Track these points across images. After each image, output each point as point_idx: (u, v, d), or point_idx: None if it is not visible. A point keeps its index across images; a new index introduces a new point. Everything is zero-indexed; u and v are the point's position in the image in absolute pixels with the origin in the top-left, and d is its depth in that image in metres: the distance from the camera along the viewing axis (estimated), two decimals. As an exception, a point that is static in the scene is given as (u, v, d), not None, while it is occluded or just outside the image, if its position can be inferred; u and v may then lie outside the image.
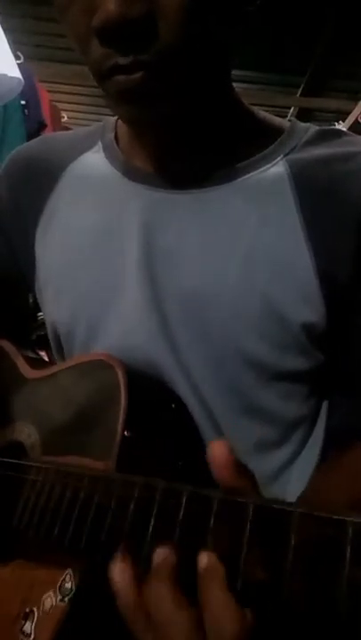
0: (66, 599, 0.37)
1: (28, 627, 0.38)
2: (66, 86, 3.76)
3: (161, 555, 0.29)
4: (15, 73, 1.67)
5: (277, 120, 0.52)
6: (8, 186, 0.59)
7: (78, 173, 0.55)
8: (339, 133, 0.50)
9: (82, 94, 4.04)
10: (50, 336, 0.58)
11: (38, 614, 0.38)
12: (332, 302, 0.45)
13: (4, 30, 1.66)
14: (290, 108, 4.01)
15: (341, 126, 2.72)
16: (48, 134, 0.72)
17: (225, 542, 0.27)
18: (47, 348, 0.61)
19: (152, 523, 0.30)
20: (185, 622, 0.27)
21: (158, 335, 0.48)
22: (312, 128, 0.50)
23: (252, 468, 0.30)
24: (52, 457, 0.44)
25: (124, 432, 0.39)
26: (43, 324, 0.60)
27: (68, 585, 0.37)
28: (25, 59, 2.07)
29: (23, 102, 2.23)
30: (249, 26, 0.44)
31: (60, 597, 0.37)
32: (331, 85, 3.65)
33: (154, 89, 0.39)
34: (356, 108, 2.86)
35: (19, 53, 1.87)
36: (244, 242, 0.46)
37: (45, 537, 0.37)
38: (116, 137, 0.55)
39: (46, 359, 0.72)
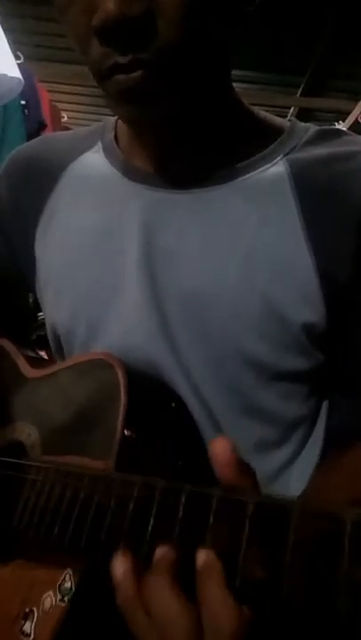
0: (65, 599, 0.37)
1: (27, 626, 0.38)
2: (66, 86, 3.76)
3: (160, 551, 0.29)
4: (15, 73, 1.67)
5: (277, 120, 0.52)
6: (8, 186, 0.59)
7: (78, 173, 0.55)
8: (339, 133, 0.50)
9: (82, 94, 4.04)
10: (49, 336, 0.58)
11: (38, 614, 0.38)
12: (333, 302, 0.45)
13: (4, 30, 1.66)
14: (290, 108, 4.01)
15: (341, 126, 2.72)
16: (48, 134, 0.72)
17: (224, 540, 0.27)
18: (47, 348, 0.61)
19: (151, 522, 0.30)
20: (183, 618, 0.27)
21: (158, 335, 0.48)
22: (312, 128, 0.50)
23: (252, 468, 0.30)
24: (52, 456, 0.44)
25: (123, 431, 0.39)
26: (43, 324, 0.60)
27: (68, 585, 0.37)
28: (25, 59, 2.07)
29: (23, 102, 2.23)
30: (249, 26, 0.44)
31: (59, 597, 0.37)
32: (331, 85, 3.65)
33: (153, 88, 0.39)
34: (356, 108, 2.86)
35: (19, 53, 1.87)
36: (244, 242, 0.46)
37: (45, 537, 0.37)
38: (115, 137, 0.55)
39: (47, 359, 0.72)
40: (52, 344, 0.59)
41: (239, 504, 0.27)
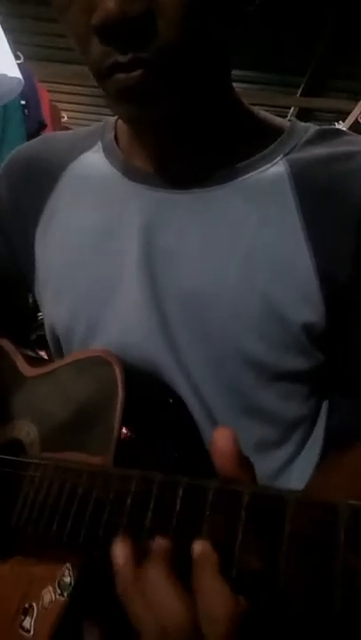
0: (65, 594, 0.37)
1: (27, 622, 0.39)
2: (66, 86, 3.76)
3: (157, 542, 0.30)
4: (15, 73, 1.67)
5: (277, 120, 0.52)
6: (8, 186, 0.59)
7: (78, 173, 0.55)
8: (339, 133, 0.50)
9: (82, 94, 4.04)
10: (48, 336, 0.58)
11: (38, 609, 0.38)
12: (332, 302, 0.45)
13: (4, 30, 1.67)
14: (290, 108, 4.01)
15: (341, 126, 2.72)
16: (48, 134, 0.72)
17: (220, 530, 0.27)
18: (47, 348, 0.62)
19: (149, 516, 0.31)
20: (179, 607, 0.28)
21: (158, 335, 0.48)
22: (312, 128, 0.50)
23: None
24: (51, 453, 0.44)
25: (121, 428, 0.39)
26: (43, 323, 0.60)
27: (67, 580, 0.37)
28: (25, 59, 2.07)
29: (23, 102, 2.24)
30: (249, 26, 0.44)
31: (59, 592, 0.37)
32: (331, 85, 3.65)
33: (153, 87, 0.39)
34: (356, 108, 2.87)
35: (19, 53, 1.87)
36: (244, 242, 0.46)
37: (44, 533, 0.37)
38: (115, 137, 0.55)
39: (47, 359, 0.72)
40: (50, 344, 0.59)
41: (235, 495, 0.27)
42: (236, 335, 0.46)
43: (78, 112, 4.40)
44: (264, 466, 0.51)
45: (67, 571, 0.38)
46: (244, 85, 3.55)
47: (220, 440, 0.30)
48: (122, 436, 0.40)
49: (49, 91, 2.92)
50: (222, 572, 0.27)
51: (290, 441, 0.52)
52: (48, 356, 0.63)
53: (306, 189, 0.46)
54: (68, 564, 0.38)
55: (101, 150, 0.55)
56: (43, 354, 0.68)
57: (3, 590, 0.42)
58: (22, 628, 0.39)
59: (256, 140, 0.49)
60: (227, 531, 0.27)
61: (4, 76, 1.64)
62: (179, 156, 0.49)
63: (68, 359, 0.50)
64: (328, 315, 0.46)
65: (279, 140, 0.49)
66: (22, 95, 2.04)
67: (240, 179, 0.48)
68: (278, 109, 3.55)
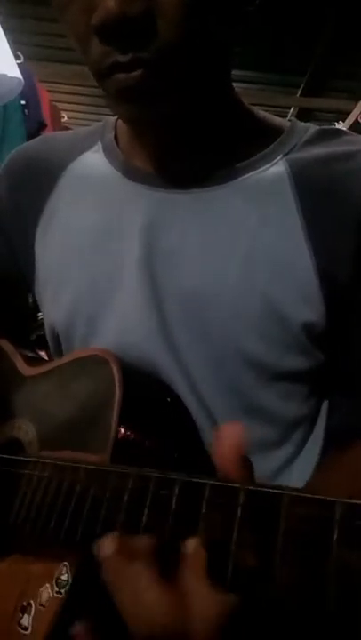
0: (62, 591, 0.37)
1: (25, 620, 0.39)
2: (66, 86, 3.76)
3: (142, 538, 0.30)
4: (15, 73, 1.67)
5: (277, 120, 0.52)
6: (8, 186, 0.59)
7: (78, 173, 0.55)
8: (339, 133, 0.50)
9: (82, 94, 4.04)
10: (48, 336, 0.58)
11: (35, 607, 0.38)
12: (333, 302, 0.45)
13: (4, 30, 1.67)
14: (290, 108, 4.01)
15: (341, 126, 2.72)
16: (48, 134, 0.72)
17: (216, 527, 0.27)
18: (47, 348, 0.62)
19: (146, 512, 0.31)
20: (164, 601, 0.28)
21: (158, 335, 0.48)
22: (312, 128, 0.50)
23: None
24: (49, 452, 0.44)
25: (118, 427, 0.40)
26: (43, 324, 0.60)
27: (65, 577, 0.37)
28: (25, 59, 2.07)
29: (23, 102, 2.24)
30: (249, 26, 0.44)
31: (56, 590, 0.37)
32: (331, 85, 3.65)
33: (153, 87, 0.39)
34: (356, 108, 2.87)
35: (19, 53, 1.87)
36: (244, 242, 0.46)
37: (42, 530, 0.37)
38: (115, 137, 0.55)
39: (46, 359, 0.72)
40: (50, 343, 0.59)
41: (231, 492, 0.27)
42: (236, 335, 0.46)
43: (78, 112, 4.40)
44: (264, 466, 0.51)
45: (64, 568, 0.38)
46: (244, 85, 3.55)
47: (227, 437, 0.30)
48: (119, 435, 0.40)
49: (49, 91, 2.92)
50: (211, 571, 0.27)
51: (290, 441, 0.52)
52: (48, 356, 0.63)
53: (306, 189, 0.46)
54: (66, 562, 0.38)
55: (101, 150, 0.55)
56: (43, 354, 0.68)
57: (1, 588, 0.42)
58: (20, 625, 0.39)
59: (256, 139, 0.49)
60: (223, 527, 0.27)
61: (4, 76, 1.64)
62: (179, 156, 0.49)
63: (66, 358, 0.50)
64: (328, 314, 0.46)
65: (279, 139, 0.49)
66: (22, 95, 2.04)
67: (240, 179, 0.48)
68: (278, 109, 3.55)
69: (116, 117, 0.55)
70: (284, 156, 0.48)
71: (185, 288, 0.47)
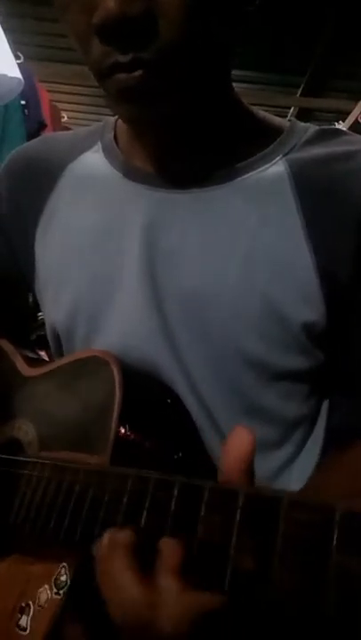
0: (61, 592, 0.37)
1: (24, 620, 0.39)
2: (66, 86, 3.76)
3: (123, 531, 0.31)
4: (15, 73, 1.67)
5: (277, 120, 0.52)
6: (8, 186, 0.59)
7: (78, 173, 0.55)
8: (338, 133, 0.50)
9: (82, 94, 4.04)
10: (49, 336, 0.58)
11: (34, 608, 0.38)
12: (333, 302, 0.45)
13: (4, 30, 1.67)
14: (290, 108, 4.01)
15: (341, 126, 2.72)
16: (48, 134, 0.72)
17: (215, 530, 0.27)
18: (47, 348, 0.62)
19: (144, 515, 0.31)
20: (138, 595, 0.28)
21: (158, 335, 0.48)
22: (312, 128, 0.50)
23: None
24: (49, 453, 0.44)
25: (118, 428, 0.40)
26: (43, 324, 0.60)
27: (63, 578, 0.37)
28: (25, 59, 2.07)
29: (23, 102, 2.24)
30: (249, 26, 0.44)
31: (55, 591, 0.38)
32: (331, 85, 3.65)
33: (154, 87, 0.39)
34: (356, 108, 2.86)
35: (19, 53, 1.87)
36: (244, 242, 0.46)
37: (41, 531, 0.38)
38: (115, 137, 0.55)
39: (46, 359, 0.72)
40: (51, 343, 0.59)
41: (231, 495, 0.27)
42: (236, 335, 0.46)
43: (78, 112, 4.40)
44: (264, 466, 0.51)
45: (63, 569, 0.38)
46: (244, 85, 3.55)
47: (234, 448, 0.30)
48: (119, 436, 0.40)
49: (49, 91, 2.92)
50: (183, 569, 0.28)
51: (290, 441, 0.52)
52: (48, 356, 0.63)
53: (306, 189, 0.46)
54: (65, 563, 0.38)
55: (101, 150, 0.55)
56: (43, 354, 0.68)
57: (0, 589, 0.42)
58: (19, 626, 0.39)
59: (256, 139, 0.49)
60: (222, 531, 0.27)
61: (4, 76, 1.64)
62: (179, 156, 0.49)
63: (66, 359, 0.50)
64: (328, 314, 0.46)
65: (279, 139, 0.49)
66: (22, 95, 2.04)
67: (240, 178, 0.48)
68: (278, 109, 3.55)
69: (115, 117, 0.55)
70: (284, 155, 0.48)
71: (185, 288, 0.47)
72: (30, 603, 0.39)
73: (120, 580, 0.29)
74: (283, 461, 0.52)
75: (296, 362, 0.48)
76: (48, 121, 2.52)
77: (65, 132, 0.63)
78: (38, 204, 0.56)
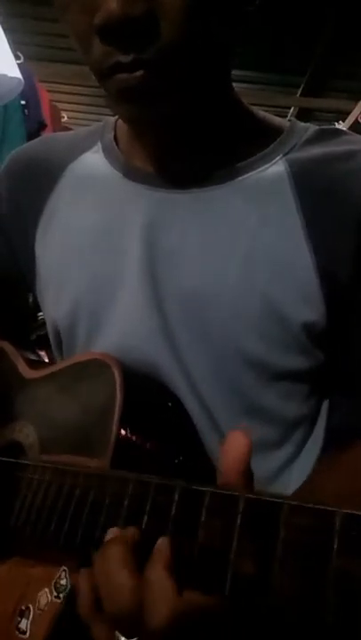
0: (61, 596, 0.37)
1: (23, 624, 0.39)
2: (66, 86, 3.76)
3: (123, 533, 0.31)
4: (15, 73, 1.67)
5: (277, 120, 0.52)
6: (8, 186, 0.59)
7: (78, 173, 0.55)
8: (338, 132, 0.50)
9: (82, 94, 4.04)
10: (50, 337, 0.58)
11: (34, 611, 0.38)
12: (333, 302, 0.45)
13: (4, 30, 1.67)
14: (290, 108, 4.01)
15: (341, 126, 2.72)
16: (48, 134, 0.72)
17: (216, 535, 0.27)
18: (47, 348, 0.62)
19: (145, 519, 0.31)
20: (128, 588, 0.28)
21: (158, 335, 0.48)
22: (312, 127, 0.50)
23: (252, 468, 0.30)
24: (50, 456, 0.44)
25: (119, 431, 0.40)
26: (43, 324, 0.60)
27: (64, 582, 0.37)
28: (25, 59, 2.07)
29: (23, 102, 2.23)
30: (249, 26, 0.44)
31: (55, 594, 0.37)
32: (331, 85, 3.65)
33: (154, 87, 0.39)
34: (356, 108, 2.86)
35: (19, 53, 1.87)
36: (244, 242, 0.46)
37: (42, 534, 0.37)
38: (115, 137, 0.55)
39: (46, 359, 0.72)
40: (53, 344, 0.59)
41: (231, 499, 0.27)
42: (237, 335, 0.46)
43: (78, 112, 4.39)
44: (264, 466, 0.51)
45: (63, 573, 0.38)
46: (244, 85, 3.55)
47: (232, 449, 0.30)
48: (120, 439, 0.40)
49: (49, 91, 2.91)
50: (174, 569, 0.28)
51: (290, 441, 0.52)
52: (48, 356, 0.63)
53: (306, 189, 0.46)
54: (65, 567, 0.38)
55: (101, 150, 0.55)
56: (43, 354, 0.68)
57: (0, 592, 0.42)
58: (18, 629, 0.39)
59: (256, 139, 0.49)
60: (222, 535, 0.27)
61: (4, 76, 1.64)
62: (179, 156, 0.49)
63: (67, 362, 0.50)
64: (328, 314, 0.46)
65: (279, 139, 0.49)
66: (22, 95, 2.04)
67: (240, 178, 0.48)
68: (278, 109, 3.55)
69: (115, 118, 0.55)
70: (284, 155, 0.48)
71: (185, 288, 0.47)
72: (30, 606, 0.39)
73: (115, 578, 0.29)
74: (283, 461, 0.52)
75: (296, 362, 0.48)
76: (48, 121, 2.51)
77: (65, 133, 0.63)
78: (38, 204, 0.56)
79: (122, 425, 0.40)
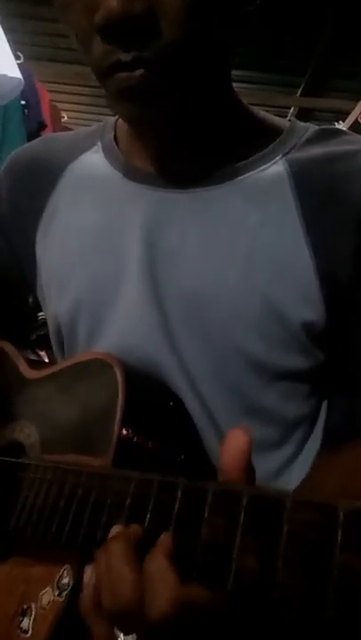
0: (63, 595, 0.37)
1: (25, 623, 0.39)
2: (66, 86, 3.76)
3: (129, 528, 0.31)
4: (15, 73, 1.67)
5: (277, 120, 0.52)
6: (8, 186, 0.59)
7: (78, 173, 0.55)
8: (338, 132, 0.50)
9: (82, 94, 4.04)
10: (52, 336, 0.58)
11: (36, 610, 0.38)
12: (332, 302, 0.45)
13: (4, 30, 1.67)
14: (290, 108, 4.01)
15: (341, 126, 2.72)
16: (48, 134, 0.72)
17: (219, 532, 0.27)
18: (47, 348, 0.62)
19: (148, 517, 0.31)
20: (129, 579, 0.28)
21: (159, 335, 0.48)
22: (312, 127, 0.50)
23: None
24: (51, 455, 0.44)
25: (121, 431, 0.40)
26: (43, 324, 0.60)
27: (66, 580, 0.37)
28: (25, 59, 2.07)
29: (23, 102, 2.24)
30: (249, 26, 0.44)
31: (57, 593, 0.37)
32: (331, 85, 3.65)
33: (155, 86, 0.39)
34: (357, 108, 2.86)
35: (19, 53, 1.88)
36: (244, 242, 0.46)
37: (43, 534, 0.37)
38: (115, 137, 0.55)
39: (46, 359, 0.72)
40: (53, 343, 0.59)
41: (234, 496, 0.27)
42: (237, 335, 0.46)
43: (78, 112, 4.40)
44: (264, 466, 0.51)
45: (65, 572, 0.38)
46: (244, 85, 3.55)
47: (233, 446, 0.30)
48: (122, 439, 0.40)
49: (49, 91, 2.92)
50: (175, 559, 0.28)
51: (290, 441, 0.52)
52: (48, 356, 0.63)
53: (306, 189, 0.46)
54: (67, 565, 0.38)
55: (101, 150, 0.55)
56: (43, 354, 0.69)
57: (2, 591, 0.42)
58: (20, 628, 0.39)
59: (256, 139, 0.49)
60: (225, 532, 0.27)
61: (4, 76, 1.64)
62: (179, 155, 0.49)
63: (68, 362, 0.50)
64: (328, 314, 0.46)
65: (279, 139, 0.49)
66: (22, 95, 2.04)
67: (240, 178, 0.48)
68: (278, 109, 3.55)
69: (115, 117, 0.55)
70: (284, 155, 0.48)
71: (185, 288, 0.47)
72: (32, 605, 0.39)
73: (117, 573, 0.29)
74: (283, 461, 0.52)
75: (296, 362, 0.48)
76: (48, 121, 2.52)
77: (65, 133, 0.63)
78: (38, 204, 0.56)
79: (124, 424, 0.40)
